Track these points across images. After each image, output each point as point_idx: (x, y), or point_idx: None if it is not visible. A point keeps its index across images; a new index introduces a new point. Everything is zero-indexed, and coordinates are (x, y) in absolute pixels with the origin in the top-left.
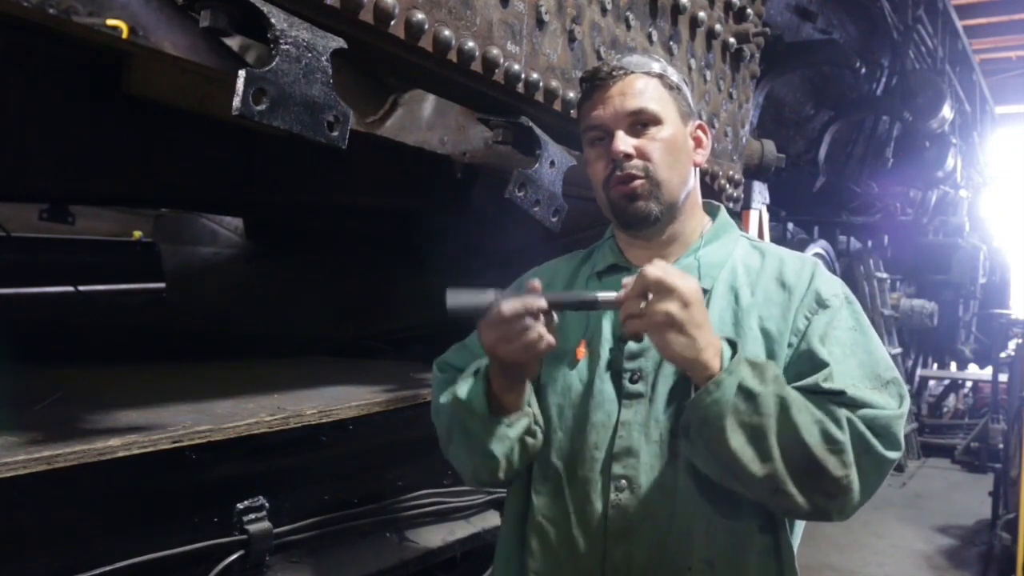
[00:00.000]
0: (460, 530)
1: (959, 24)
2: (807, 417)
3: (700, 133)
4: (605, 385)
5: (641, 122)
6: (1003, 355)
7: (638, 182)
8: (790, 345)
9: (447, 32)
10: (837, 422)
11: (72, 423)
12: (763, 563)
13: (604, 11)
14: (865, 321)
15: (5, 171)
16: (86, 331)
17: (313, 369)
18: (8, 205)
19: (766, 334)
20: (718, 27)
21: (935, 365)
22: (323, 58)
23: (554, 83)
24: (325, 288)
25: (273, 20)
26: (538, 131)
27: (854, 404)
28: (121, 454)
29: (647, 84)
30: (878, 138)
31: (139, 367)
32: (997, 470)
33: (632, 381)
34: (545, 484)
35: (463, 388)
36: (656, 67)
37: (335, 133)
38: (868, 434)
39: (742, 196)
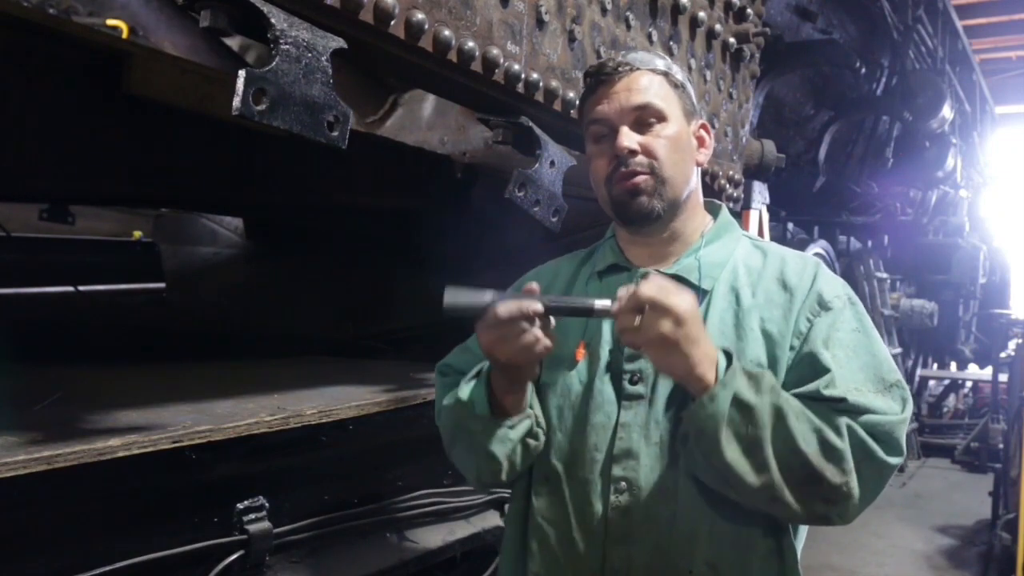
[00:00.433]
0: (460, 530)
1: (959, 24)
2: (805, 425)
3: (703, 132)
4: (605, 386)
5: (646, 118)
6: (1003, 355)
7: (642, 178)
8: (792, 348)
9: (447, 32)
10: (836, 429)
11: (72, 423)
12: (766, 566)
13: (604, 11)
14: (868, 322)
15: (5, 171)
16: (86, 331)
17: (313, 369)
18: (8, 205)
19: (767, 336)
20: (718, 27)
21: (935, 365)
22: (323, 58)
23: (554, 83)
24: (325, 288)
25: (273, 20)
26: (538, 131)
27: (856, 411)
28: (121, 454)
29: (652, 81)
30: (878, 138)
31: (139, 367)
32: (997, 470)
33: (632, 383)
34: (545, 485)
35: (465, 390)
36: (661, 64)
37: (335, 133)
38: (869, 440)
39: (742, 196)
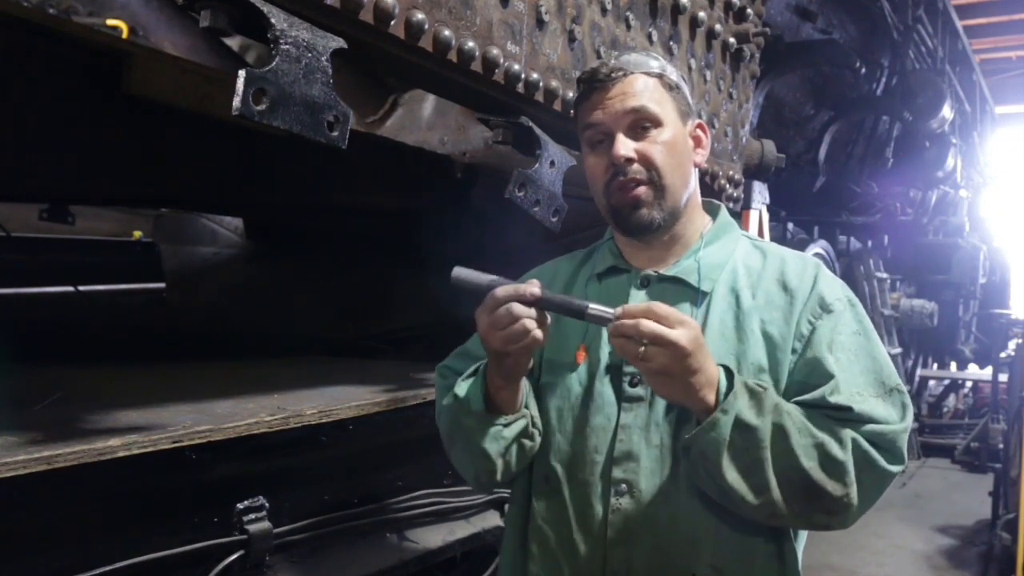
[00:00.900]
0: (460, 530)
1: (959, 24)
2: (807, 440)
3: (699, 132)
4: (605, 388)
5: (641, 123)
6: (1003, 355)
7: (642, 189)
8: (794, 351)
9: (447, 32)
10: (840, 442)
11: (72, 423)
12: (767, 568)
13: (604, 11)
14: (868, 324)
15: (5, 171)
16: (86, 331)
17: (313, 369)
18: (8, 205)
19: (768, 338)
20: (718, 27)
21: (935, 365)
22: (323, 58)
23: (554, 83)
24: (325, 288)
25: (273, 20)
26: (538, 131)
27: (859, 420)
28: (121, 454)
29: (647, 84)
30: (878, 138)
31: (139, 367)
32: (997, 470)
33: (632, 385)
34: (545, 487)
35: (462, 387)
36: (655, 66)
37: (335, 133)
38: (872, 451)
39: (742, 196)
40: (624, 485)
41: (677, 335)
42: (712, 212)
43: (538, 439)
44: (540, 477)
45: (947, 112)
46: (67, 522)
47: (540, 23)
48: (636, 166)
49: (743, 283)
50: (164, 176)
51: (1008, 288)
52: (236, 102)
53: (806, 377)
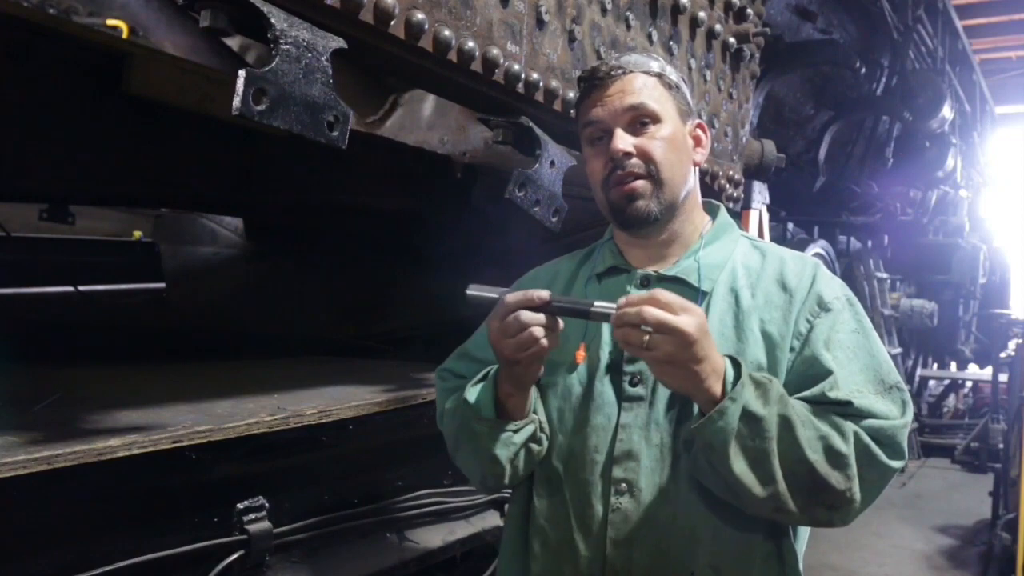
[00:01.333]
0: (460, 530)
1: (959, 24)
2: (811, 433)
3: (699, 132)
4: (605, 388)
5: (640, 119)
6: (1003, 355)
7: (639, 182)
8: (792, 349)
9: (447, 32)
10: (843, 435)
11: (72, 423)
12: (767, 568)
13: (604, 11)
14: (867, 323)
15: (5, 171)
16: (86, 331)
17: (313, 369)
18: (8, 205)
19: (767, 337)
20: (718, 27)
21: (935, 365)
22: (323, 58)
23: (554, 83)
24: (325, 288)
25: (273, 20)
26: (538, 131)
27: (860, 415)
28: (121, 454)
29: (646, 82)
30: (878, 138)
31: (139, 367)
32: (997, 470)
33: (632, 384)
34: (546, 487)
35: (472, 393)
36: (655, 66)
37: (335, 133)
38: (873, 446)
39: (742, 196)
40: (624, 484)
41: (682, 321)
42: (712, 212)
43: (546, 443)
44: (541, 476)
45: (947, 112)
46: (67, 522)
47: (540, 23)
48: (634, 160)
49: (743, 283)
50: (164, 176)
51: (1008, 288)
52: (236, 102)
53: (804, 374)
